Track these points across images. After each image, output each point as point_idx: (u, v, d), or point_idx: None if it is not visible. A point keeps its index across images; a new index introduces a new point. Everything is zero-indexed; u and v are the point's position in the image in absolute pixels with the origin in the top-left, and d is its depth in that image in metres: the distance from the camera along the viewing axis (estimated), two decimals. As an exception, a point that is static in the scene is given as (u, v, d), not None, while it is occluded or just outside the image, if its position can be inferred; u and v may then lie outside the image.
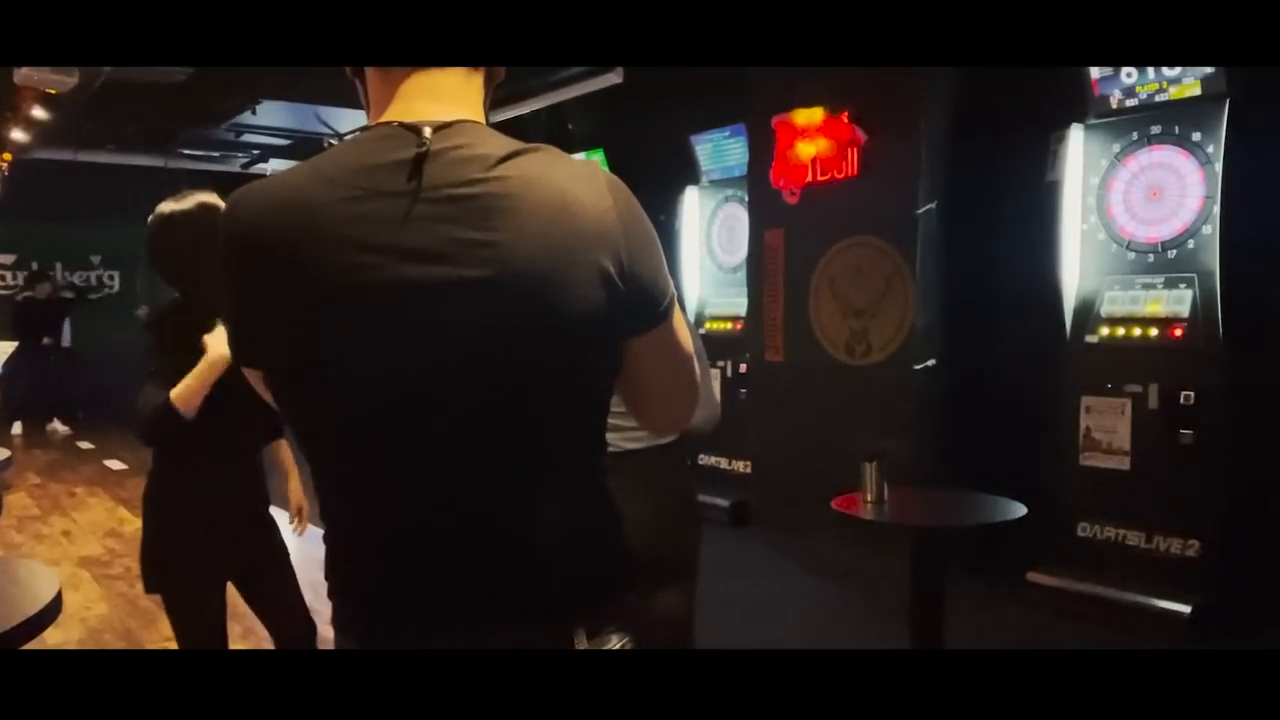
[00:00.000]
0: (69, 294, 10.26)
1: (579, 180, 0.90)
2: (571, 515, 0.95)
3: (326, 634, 1.11)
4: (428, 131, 0.89)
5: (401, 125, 0.91)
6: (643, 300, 0.93)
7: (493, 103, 1.05)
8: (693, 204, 6.06)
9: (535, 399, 0.90)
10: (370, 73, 0.98)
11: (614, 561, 1.00)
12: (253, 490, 2.29)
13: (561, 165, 0.91)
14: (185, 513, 2.19)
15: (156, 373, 2.11)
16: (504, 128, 0.94)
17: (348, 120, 7.32)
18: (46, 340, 9.34)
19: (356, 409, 0.91)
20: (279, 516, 2.41)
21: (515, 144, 0.92)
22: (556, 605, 0.95)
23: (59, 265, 10.81)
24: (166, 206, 2.13)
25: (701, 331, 5.77)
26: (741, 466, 5.62)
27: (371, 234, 0.87)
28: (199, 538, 2.17)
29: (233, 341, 0.96)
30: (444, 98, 0.95)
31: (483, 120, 0.98)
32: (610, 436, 1.03)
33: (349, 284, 0.87)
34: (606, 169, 0.95)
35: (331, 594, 1.00)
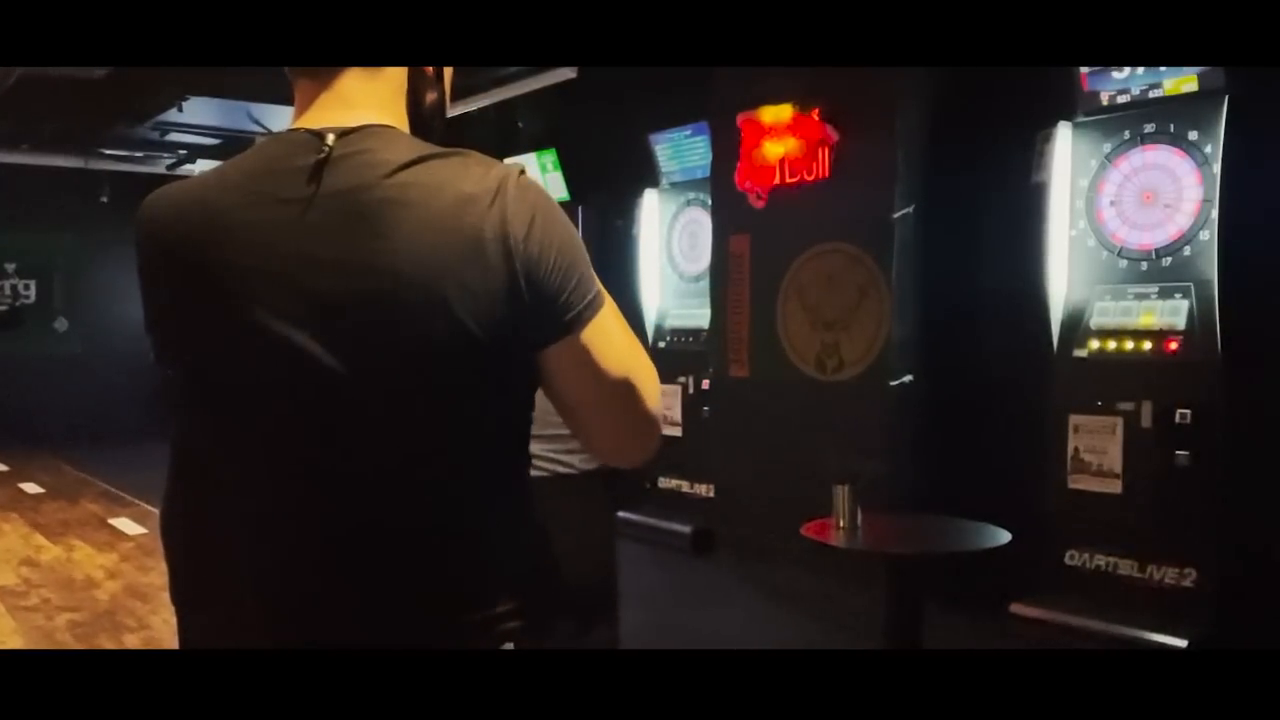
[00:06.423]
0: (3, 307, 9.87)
1: (482, 188, 0.91)
2: (485, 529, 0.96)
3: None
4: (330, 138, 0.92)
5: (308, 131, 0.94)
6: (548, 312, 0.93)
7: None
8: (652, 208, 5.98)
9: (433, 411, 0.92)
10: (291, 76, 1.01)
11: (533, 579, 1.00)
12: None
13: (471, 171, 0.92)
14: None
15: None
16: (449, 127, 1.00)
17: (281, 118, 7.28)
18: None
19: (252, 415, 0.93)
20: None
21: (424, 150, 0.93)
22: (469, 625, 0.95)
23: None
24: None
25: (661, 345, 5.71)
26: (704, 490, 5.53)
27: (271, 239, 0.90)
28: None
29: (150, 343, 1.00)
30: (356, 103, 0.97)
31: (401, 124, 1.00)
32: None
33: (247, 289, 0.90)
34: (528, 175, 0.95)
35: (189, 607, 1.01)
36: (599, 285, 0.97)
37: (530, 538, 1.02)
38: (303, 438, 0.92)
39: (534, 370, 0.97)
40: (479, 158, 0.95)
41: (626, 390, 0.99)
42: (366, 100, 0.98)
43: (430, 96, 1.04)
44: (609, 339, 0.98)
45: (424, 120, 1.03)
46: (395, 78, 1.00)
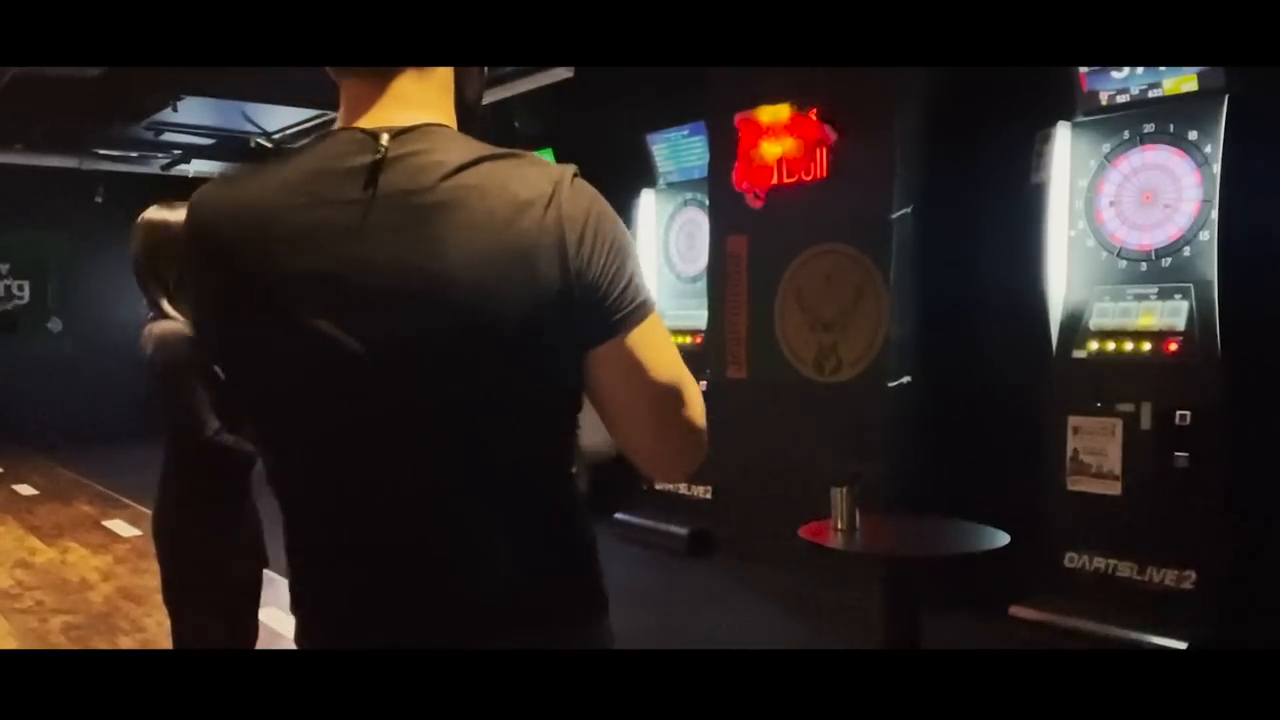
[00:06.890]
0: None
1: (537, 192, 0.91)
2: (529, 532, 0.97)
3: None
4: (385, 138, 0.92)
5: (362, 131, 0.94)
6: (597, 312, 0.93)
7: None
8: (649, 208, 5.96)
9: (484, 412, 0.93)
10: (337, 76, 1.01)
11: (571, 582, 1.02)
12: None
13: (527, 174, 0.91)
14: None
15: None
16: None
17: (276, 118, 7.25)
18: None
19: (305, 417, 0.95)
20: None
21: (479, 150, 0.93)
22: (507, 623, 0.96)
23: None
24: (157, 215, 2.13)
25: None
26: (701, 491, 5.50)
27: (324, 241, 0.90)
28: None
29: (199, 340, 0.98)
30: (408, 102, 0.97)
31: (450, 122, 1.00)
32: None
33: (300, 291, 0.90)
34: (580, 178, 0.96)
35: (292, 607, 1.03)
36: (649, 293, 0.97)
37: (575, 539, 1.03)
38: (353, 439, 0.93)
39: (576, 373, 0.97)
40: (533, 158, 0.95)
41: (674, 398, 0.99)
42: (418, 98, 0.98)
43: (474, 92, 1.05)
44: (656, 345, 0.98)
45: (469, 115, 1.04)
46: (444, 76, 1.01)
